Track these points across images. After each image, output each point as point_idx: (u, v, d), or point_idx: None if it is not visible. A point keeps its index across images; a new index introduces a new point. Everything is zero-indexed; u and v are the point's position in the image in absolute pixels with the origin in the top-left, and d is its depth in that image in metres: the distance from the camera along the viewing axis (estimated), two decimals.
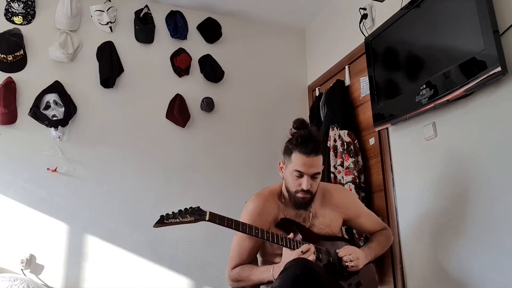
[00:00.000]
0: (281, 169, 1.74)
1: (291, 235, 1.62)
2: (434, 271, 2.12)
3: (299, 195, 1.65)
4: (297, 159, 1.61)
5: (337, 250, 1.67)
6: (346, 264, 1.62)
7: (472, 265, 1.92)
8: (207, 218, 1.52)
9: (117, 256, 2.72)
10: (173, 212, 1.51)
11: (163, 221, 1.49)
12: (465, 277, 1.94)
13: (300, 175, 1.62)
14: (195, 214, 1.53)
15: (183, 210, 1.53)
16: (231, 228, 1.54)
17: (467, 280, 1.93)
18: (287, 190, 1.70)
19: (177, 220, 1.50)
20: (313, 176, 1.63)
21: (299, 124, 1.67)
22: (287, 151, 1.67)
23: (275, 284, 1.44)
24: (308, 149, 1.59)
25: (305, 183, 1.62)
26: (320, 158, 1.63)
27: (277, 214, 1.72)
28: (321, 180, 1.75)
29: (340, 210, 1.80)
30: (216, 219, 1.53)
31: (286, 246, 1.58)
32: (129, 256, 2.74)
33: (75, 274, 2.61)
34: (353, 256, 1.64)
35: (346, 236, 2.46)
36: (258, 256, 1.80)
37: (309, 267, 1.44)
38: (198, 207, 1.56)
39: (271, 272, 1.58)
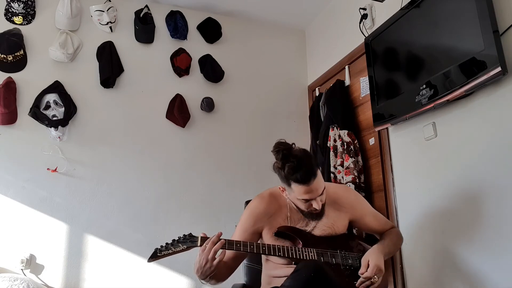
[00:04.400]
0: (283, 191, 1.68)
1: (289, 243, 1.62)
2: (434, 271, 2.12)
3: (313, 211, 1.63)
4: (298, 190, 1.55)
5: (360, 273, 1.58)
6: (371, 281, 1.57)
7: (472, 265, 1.92)
8: (199, 244, 1.53)
9: (117, 256, 2.72)
10: (166, 244, 1.53)
11: (156, 255, 1.51)
12: (465, 277, 1.94)
13: (308, 200, 1.59)
14: (187, 242, 1.53)
15: (175, 239, 1.54)
16: (225, 249, 1.53)
17: (467, 280, 1.93)
18: (297, 207, 1.67)
19: (170, 251, 1.51)
20: (320, 194, 1.59)
21: (282, 156, 1.55)
22: (284, 181, 1.58)
23: (285, 283, 1.43)
24: (304, 177, 1.51)
25: (316, 205, 1.59)
26: (319, 177, 1.54)
27: (278, 216, 1.70)
28: None
29: (346, 210, 1.77)
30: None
31: (284, 256, 1.56)
32: (129, 256, 2.74)
33: (75, 274, 2.61)
34: (377, 271, 1.57)
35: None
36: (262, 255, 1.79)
37: (322, 270, 1.43)
38: (190, 233, 1.56)
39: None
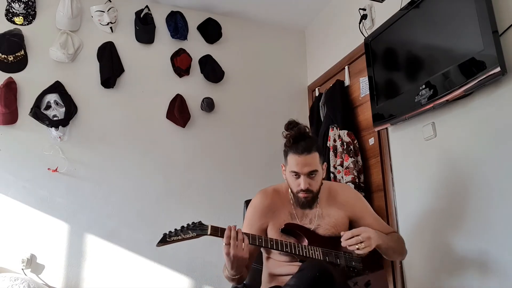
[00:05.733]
0: (283, 172, 1.74)
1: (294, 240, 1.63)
2: (433, 270, 2.12)
3: (300, 195, 1.64)
4: (291, 160, 1.62)
5: (342, 233, 1.58)
6: (357, 247, 1.54)
7: (472, 264, 1.92)
8: (208, 232, 1.52)
9: (118, 255, 2.73)
10: (175, 230, 1.53)
11: (165, 240, 1.51)
12: (464, 277, 1.95)
13: (297, 175, 1.62)
14: (196, 229, 1.53)
15: (185, 226, 1.53)
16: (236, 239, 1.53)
17: (467, 279, 1.94)
18: (291, 191, 1.71)
19: (179, 237, 1.51)
20: (309, 175, 1.61)
21: (288, 125, 1.66)
22: (284, 154, 1.68)
23: (290, 282, 1.44)
24: (299, 148, 1.58)
25: (302, 183, 1.61)
26: (314, 156, 1.60)
27: (282, 212, 1.71)
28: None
29: (346, 208, 1.77)
30: (218, 232, 1.53)
31: (291, 252, 1.57)
32: (130, 256, 2.75)
33: (76, 274, 2.62)
34: (363, 236, 1.55)
35: None
36: (263, 252, 1.79)
37: (328, 270, 1.44)
38: (200, 221, 1.56)
39: (226, 272, 1.60)
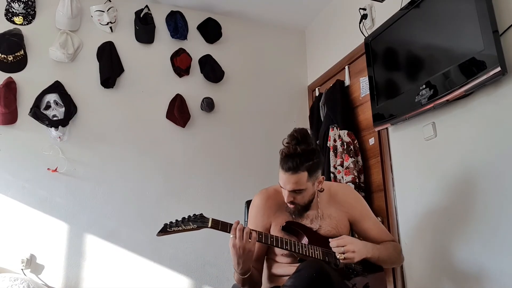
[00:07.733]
0: None
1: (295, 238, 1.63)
2: (433, 270, 2.12)
3: (288, 204, 1.65)
4: (279, 173, 1.61)
5: (330, 239, 1.61)
6: (338, 256, 1.58)
7: (472, 264, 1.92)
8: (209, 225, 1.53)
9: (117, 256, 2.72)
10: (176, 220, 1.53)
11: (166, 230, 1.51)
12: (465, 277, 1.95)
13: (283, 188, 1.63)
14: (197, 221, 1.53)
15: (186, 217, 1.54)
16: (235, 236, 1.53)
17: (466, 280, 1.94)
18: None
19: (180, 228, 1.51)
20: (293, 192, 1.60)
21: (290, 137, 1.61)
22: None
23: (287, 283, 1.43)
24: (286, 166, 1.55)
25: (285, 197, 1.63)
26: (299, 176, 1.55)
27: (283, 212, 1.71)
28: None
29: (345, 209, 1.76)
30: (219, 225, 1.54)
31: (291, 250, 1.57)
32: (129, 256, 2.74)
33: (75, 274, 2.62)
34: (347, 248, 1.58)
35: None
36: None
37: (325, 270, 1.43)
38: (201, 214, 1.56)
39: (234, 277, 1.61)
